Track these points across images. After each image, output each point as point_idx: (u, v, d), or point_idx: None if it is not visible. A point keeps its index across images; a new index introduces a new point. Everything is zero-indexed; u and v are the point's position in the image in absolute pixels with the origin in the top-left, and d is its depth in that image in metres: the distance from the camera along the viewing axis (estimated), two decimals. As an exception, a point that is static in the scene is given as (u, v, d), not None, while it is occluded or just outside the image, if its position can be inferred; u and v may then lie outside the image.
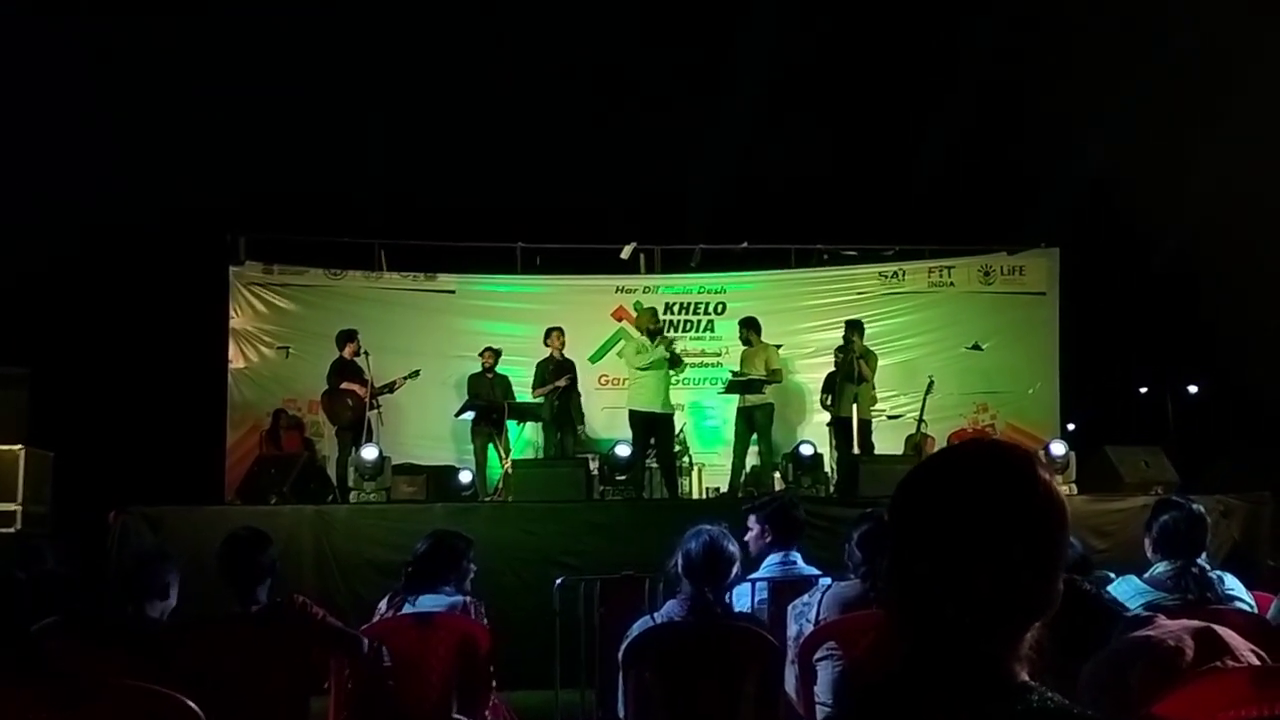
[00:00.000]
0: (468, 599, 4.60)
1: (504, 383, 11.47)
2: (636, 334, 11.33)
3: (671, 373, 10.68)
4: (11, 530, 8.51)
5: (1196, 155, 11.44)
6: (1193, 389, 15.25)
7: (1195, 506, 4.07)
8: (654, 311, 11.34)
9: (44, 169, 10.22)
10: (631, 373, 10.67)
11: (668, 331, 11.50)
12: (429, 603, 4.51)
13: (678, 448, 11.31)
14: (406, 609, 4.51)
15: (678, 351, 10.80)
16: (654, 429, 10.43)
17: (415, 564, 4.63)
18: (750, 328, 11.35)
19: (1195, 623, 2.69)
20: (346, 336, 10.94)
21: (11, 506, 8.65)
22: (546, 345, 11.44)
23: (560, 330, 11.50)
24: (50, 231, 10.93)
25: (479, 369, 11.46)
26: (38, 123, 9.97)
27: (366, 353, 10.78)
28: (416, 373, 11.28)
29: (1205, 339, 12.93)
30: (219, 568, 4.11)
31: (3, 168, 9.66)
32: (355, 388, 10.70)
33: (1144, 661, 2.58)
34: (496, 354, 11.54)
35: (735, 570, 3.92)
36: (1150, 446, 9.75)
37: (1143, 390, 15.57)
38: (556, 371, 11.28)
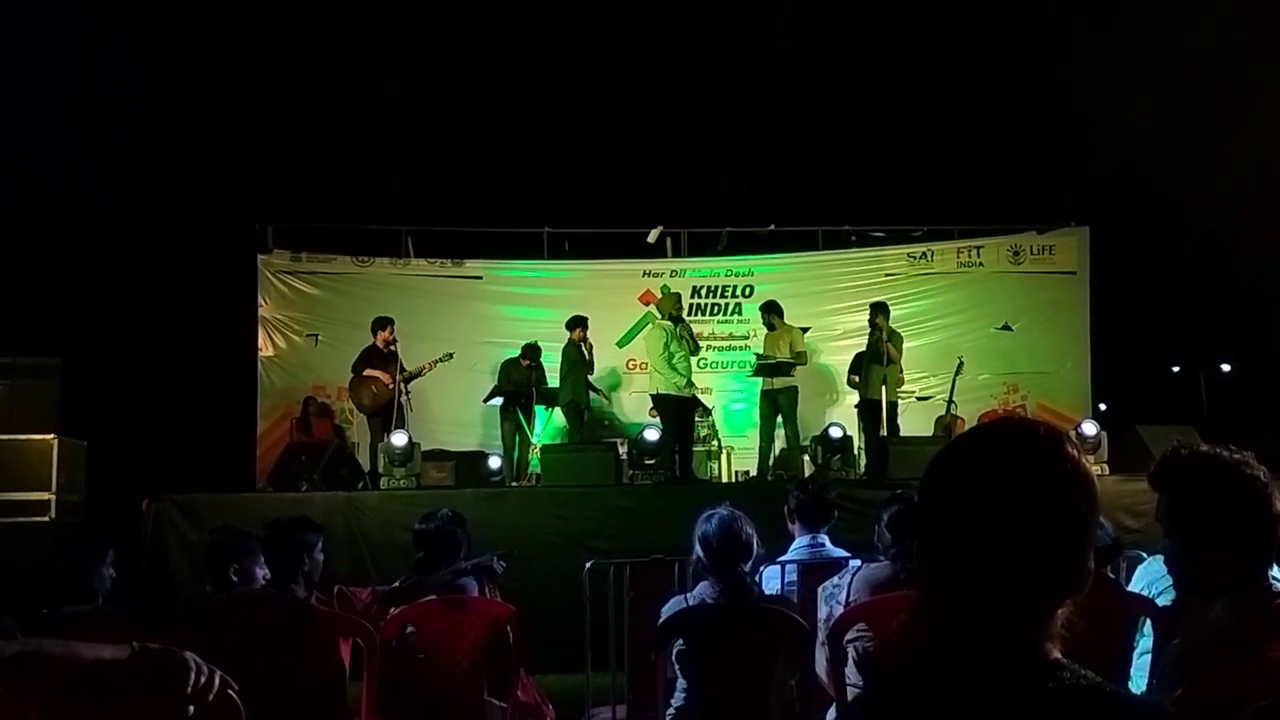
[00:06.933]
0: (482, 576, 4.65)
1: (539, 369, 11.46)
2: (660, 318, 11.22)
3: (692, 358, 10.55)
4: (45, 519, 8.57)
5: (1228, 132, 11.31)
6: (1226, 367, 15.10)
7: None
8: (678, 297, 11.07)
9: (74, 160, 10.31)
10: (660, 358, 10.60)
11: (693, 315, 11.71)
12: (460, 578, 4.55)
13: (706, 432, 11.30)
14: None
15: (694, 335, 10.75)
16: (685, 411, 10.39)
17: (429, 544, 4.64)
18: (772, 312, 11.26)
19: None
20: (381, 323, 10.80)
21: (45, 495, 8.69)
22: (571, 334, 11.36)
23: (585, 323, 11.47)
24: (80, 222, 11.02)
25: (515, 356, 11.40)
26: (70, 113, 10.04)
27: (395, 339, 10.75)
28: (450, 355, 11.20)
29: (1238, 316, 12.80)
30: (265, 556, 4.15)
31: (34, 159, 9.74)
32: (379, 374, 10.66)
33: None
34: (536, 349, 11.48)
35: (755, 547, 3.92)
36: (1183, 425, 9.64)
37: (1175, 369, 15.43)
38: (582, 357, 11.32)
